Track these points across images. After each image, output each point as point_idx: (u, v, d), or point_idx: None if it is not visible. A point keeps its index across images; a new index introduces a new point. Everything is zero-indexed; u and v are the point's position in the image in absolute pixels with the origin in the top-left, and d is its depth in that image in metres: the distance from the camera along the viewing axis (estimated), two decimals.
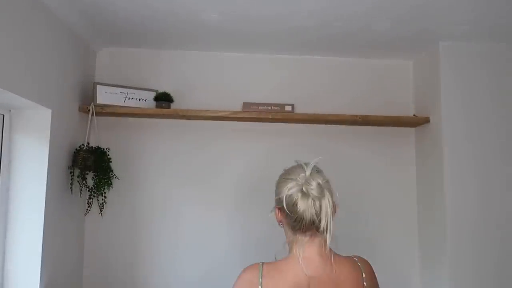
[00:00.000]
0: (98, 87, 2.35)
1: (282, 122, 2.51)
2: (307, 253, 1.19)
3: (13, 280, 1.89)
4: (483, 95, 2.31)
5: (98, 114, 2.35)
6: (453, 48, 2.33)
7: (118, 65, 2.56)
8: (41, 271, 1.90)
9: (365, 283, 1.19)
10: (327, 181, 1.19)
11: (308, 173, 1.17)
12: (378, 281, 1.27)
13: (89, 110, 2.30)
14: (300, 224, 1.16)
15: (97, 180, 2.26)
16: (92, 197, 2.27)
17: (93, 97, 2.34)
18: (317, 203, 1.14)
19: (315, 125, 2.55)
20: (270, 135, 2.55)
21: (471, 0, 1.86)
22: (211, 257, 2.47)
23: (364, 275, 1.20)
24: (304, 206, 1.14)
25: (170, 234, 2.48)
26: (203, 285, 2.45)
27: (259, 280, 1.13)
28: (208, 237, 2.48)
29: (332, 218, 1.16)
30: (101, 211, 2.31)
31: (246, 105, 2.43)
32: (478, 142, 2.28)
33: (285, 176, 1.23)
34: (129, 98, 2.39)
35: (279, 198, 1.20)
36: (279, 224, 1.28)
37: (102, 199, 2.29)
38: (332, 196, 1.17)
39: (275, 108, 2.41)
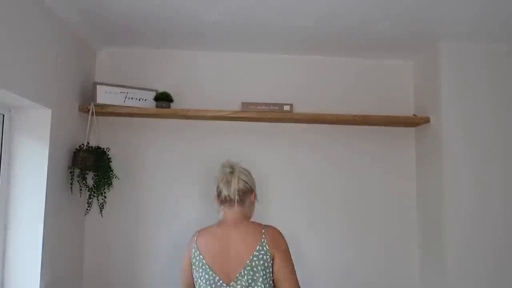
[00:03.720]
0: (98, 87, 2.35)
1: (282, 122, 2.52)
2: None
3: (13, 279, 1.89)
4: (483, 95, 2.31)
5: (98, 114, 2.35)
6: (453, 48, 2.32)
7: (118, 65, 2.56)
8: (41, 271, 1.91)
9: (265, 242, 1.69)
10: (240, 177, 1.80)
11: (227, 175, 1.81)
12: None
13: (89, 110, 2.30)
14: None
15: (97, 180, 2.26)
16: (92, 197, 2.27)
17: (93, 97, 2.34)
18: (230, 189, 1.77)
19: (315, 125, 2.55)
20: (270, 135, 2.55)
21: (471, 0, 1.86)
22: None
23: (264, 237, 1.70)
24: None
25: (169, 233, 2.48)
26: None
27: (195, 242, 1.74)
28: None
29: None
30: (101, 211, 2.31)
31: (245, 105, 2.42)
32: (478, 142, 2.28)
33: (218, 175, 1.85)
34: (129, 98, 2.39)
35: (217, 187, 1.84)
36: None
37: (102, 199, 2.29)
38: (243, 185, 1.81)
39: (273, 108, 2.41)
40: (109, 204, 2.39)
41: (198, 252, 1.72)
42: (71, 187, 2.17)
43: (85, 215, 2.39)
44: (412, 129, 2.60)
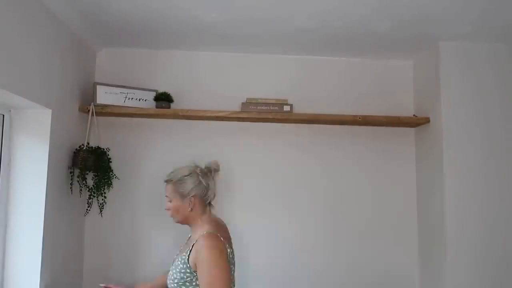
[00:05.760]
0: (98, 87, 2.35)
1: (282, 122, 2.51)
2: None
3: (13, 279, 1.89)
4: (483, 95, 2.31)
5: (98, 114, 2.35)
6: (453, 48, 2.32)
7: (118, 65, 2.56)
8: (41, 271, 1.90)
9: None
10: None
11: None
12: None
13: (89, 110, 2.30)
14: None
15: (97, 180, 2.26)
16: (92, 197, 2.27)
17: (93, 97, 2.34)
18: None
19: (315, 125, 2.55)
20: (270, 135, 2.55)
21: (471, 0, 1.86)
22: None
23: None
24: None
25: (169, 234, 2.48)
26: None
27: (225, 245, 1.69)
28: None
29: None
30: (101, 211, 2.31)
31: (244, 105, 2.42)
32: (478, 142, 2.28)
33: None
34: (129, 98, 2.39)
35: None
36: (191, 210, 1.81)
37: (102, 199, 2.29)
38: None
39: (273, 108, 2.41)
40: (109, 204, 2.39)
41: (230, 250, 1.74)
42: (71, 188, 2.17)
43: (85, 215, 2.39)
44: (412, 129, 2.60)
